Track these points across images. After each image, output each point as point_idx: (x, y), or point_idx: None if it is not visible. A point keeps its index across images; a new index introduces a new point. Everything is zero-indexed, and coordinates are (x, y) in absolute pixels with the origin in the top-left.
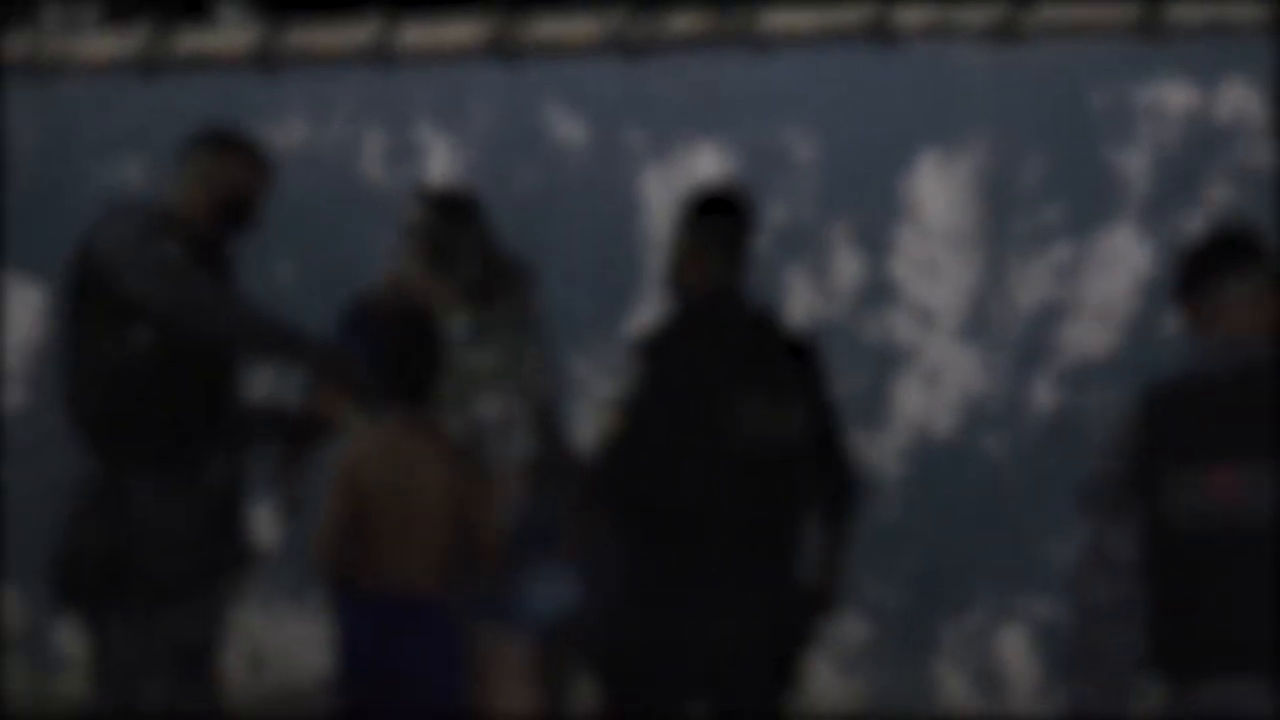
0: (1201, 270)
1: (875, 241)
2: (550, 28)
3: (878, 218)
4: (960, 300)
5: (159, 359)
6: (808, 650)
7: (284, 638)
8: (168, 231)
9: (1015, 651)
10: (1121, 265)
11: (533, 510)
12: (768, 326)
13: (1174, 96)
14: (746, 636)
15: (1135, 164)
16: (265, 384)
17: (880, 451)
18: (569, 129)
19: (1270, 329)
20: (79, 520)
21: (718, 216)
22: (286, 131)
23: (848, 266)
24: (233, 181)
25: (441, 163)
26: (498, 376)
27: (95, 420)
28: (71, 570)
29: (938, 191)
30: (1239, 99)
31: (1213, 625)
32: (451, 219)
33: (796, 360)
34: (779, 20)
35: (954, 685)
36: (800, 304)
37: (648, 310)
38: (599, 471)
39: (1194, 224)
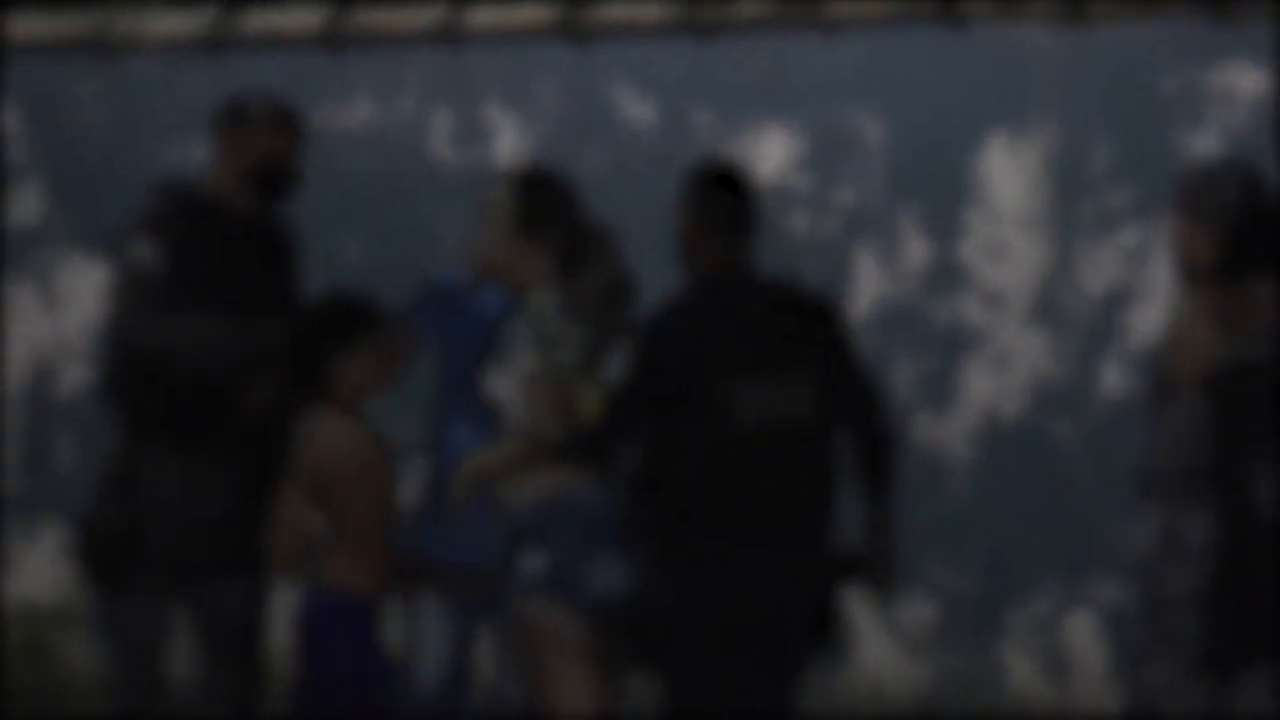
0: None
1: (944, 225)
2: (619, 10)
3: (946, 201)
4: (1029, 283)
5: (185, 341)
6: (842, 616)
7: None
8: (194, 213)
9: (1083, 636)
10: None
11: (596, 490)
12: (783, 299)
13: (1243, 79)
14: (780, 611)
15: (1204, 147)
16: None
17: (948, 435)
18: (637, 110)
19: None
20: (103, 495)
21: (723, 192)
22: (354, 111)
23: (916, 250)
24: (259, 149)
25: (509, 143)
26: (584, 349)
27: (124, 396)
28: (92, 544)
29: (1006, 175)
30: None
31: None
32: (538, 191)
33: (815, 328)
34: (848, 3)
35: (1021, 670)
36: (868, 287)
37: None
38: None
39: None
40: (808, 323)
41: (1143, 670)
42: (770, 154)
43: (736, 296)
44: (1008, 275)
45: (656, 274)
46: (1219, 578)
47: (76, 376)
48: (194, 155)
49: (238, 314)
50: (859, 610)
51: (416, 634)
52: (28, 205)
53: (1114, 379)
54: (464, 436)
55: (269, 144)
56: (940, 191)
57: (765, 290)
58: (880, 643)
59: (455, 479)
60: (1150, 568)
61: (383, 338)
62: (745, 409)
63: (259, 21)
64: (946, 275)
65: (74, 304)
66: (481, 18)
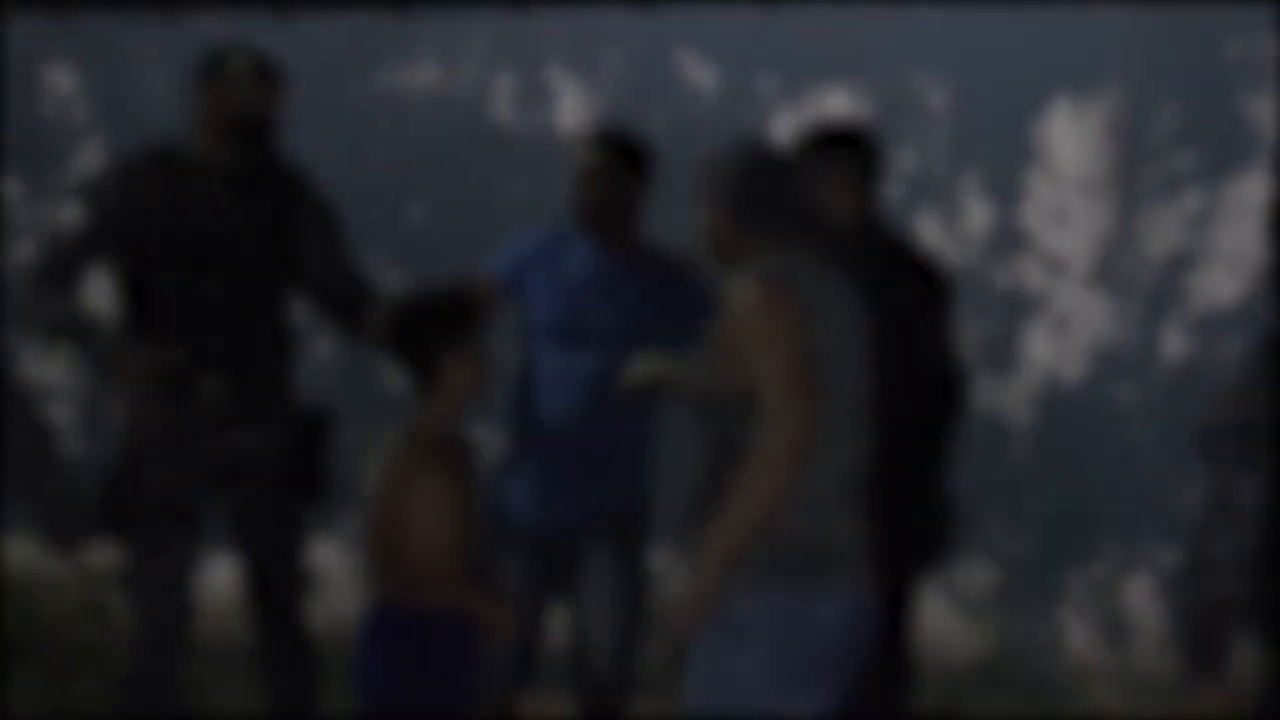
0: None
1: (1006, 188)
2: None
3: (1009, 165)
4: (1091, 248)
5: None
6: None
7: None
8: (164, 165)
9: (1142, 600)
10: (1252, 214)
11: None
12: (901, 257)
13: None
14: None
15: (1267, 113)
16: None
17: (1010, 398)
18: (701, 74)
19: None
20: (109, 453)
21: (851, 149)
22: (418, 74)
23: (979, 213)
24: (229, 101)
25: (571, 108)
26: None
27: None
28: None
29: (1069, 139)
30: None
31: None
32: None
33: (926, 288)
34: None
35: (1080, 633)
36: (931, 250)
37: None
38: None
39: None
40: (923, 280)
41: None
42: (833, 117)
43: (870, 250)
44: (1069, 240)
45: None
46: (1268, 545)
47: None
48: None
49: (211, 265)
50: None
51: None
52: (89, 165)
53: (1175, 343)
54: (553, 396)
55: (238, 95)
56: (1003, 156)
57: (890, 246)
58: (940, 607)
59: (631, 374)
60: (1200, 526)
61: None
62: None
63: None
64: (1009, 239)
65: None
66: None
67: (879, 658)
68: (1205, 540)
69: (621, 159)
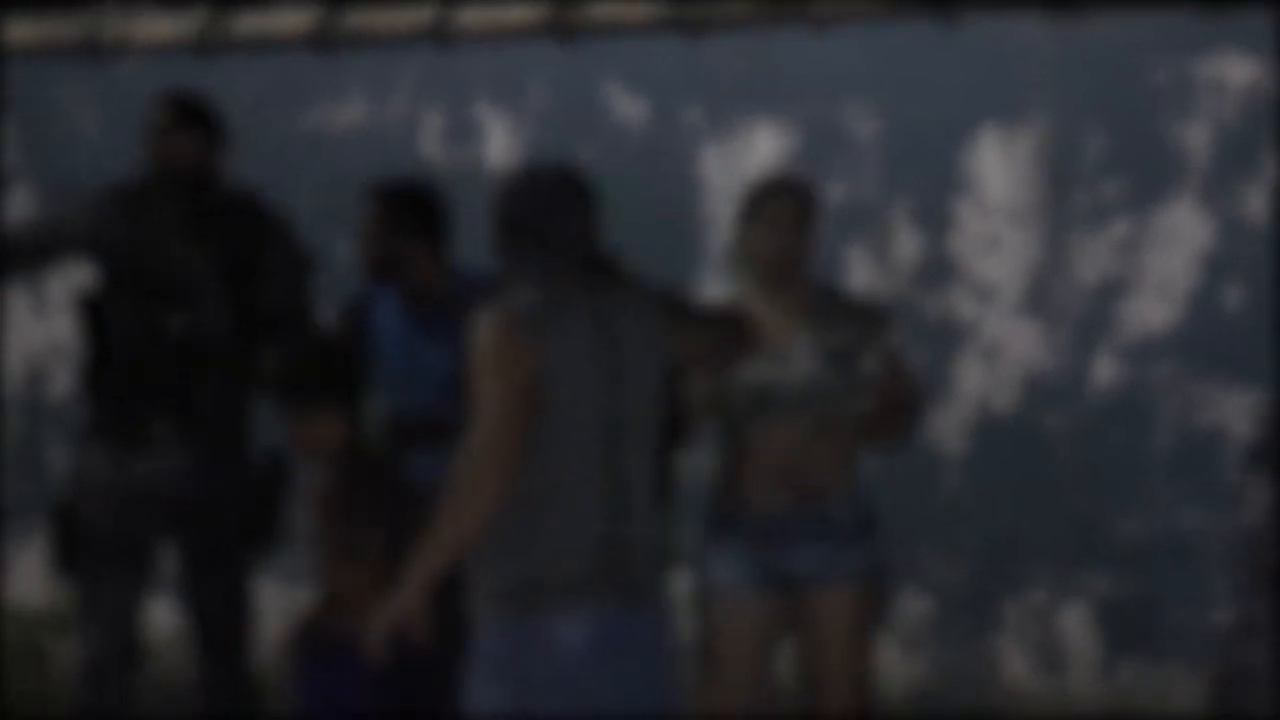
0: None
1: (935, 218)
2: (607, 8)
3: (938, 194)
4: (1021, 276)
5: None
6: None
7: None
8: (130, 205)
9: (1077, 628)
10: (1182, 240)
11: None
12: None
13: (1234, 70)
14: None
15: (1195, 138)
16: None
17: (941, 428)
18: (627, 107)
19: None
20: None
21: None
22: (345, 112)
23: (908, 243)
24: (156, 153)
25: (500, 142)
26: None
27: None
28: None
29: (998, 168)
30: None
31: None
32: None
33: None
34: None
35: (1016, 662)
36: (861, 281)
37: (709, 287)
38: None
39: (1255, 198)
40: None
41: (1236, 649)
42: (761, 150)
43: None
44: (999, 268)
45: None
46: None
47: (68, 380)
48: None
49: (168, 305)
50: None
51: None
52: (20, 209)
53: (1106, 371)
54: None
55: (172, 148)
56: (932, 185)
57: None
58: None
59: None
60: (1259, 540)
61: None
62: None
63: (249, 24)
64: (938, 269)
65: (66, 308)
66: (471, 17)
67: None
68: (1262, 555)
69: (393, 212)
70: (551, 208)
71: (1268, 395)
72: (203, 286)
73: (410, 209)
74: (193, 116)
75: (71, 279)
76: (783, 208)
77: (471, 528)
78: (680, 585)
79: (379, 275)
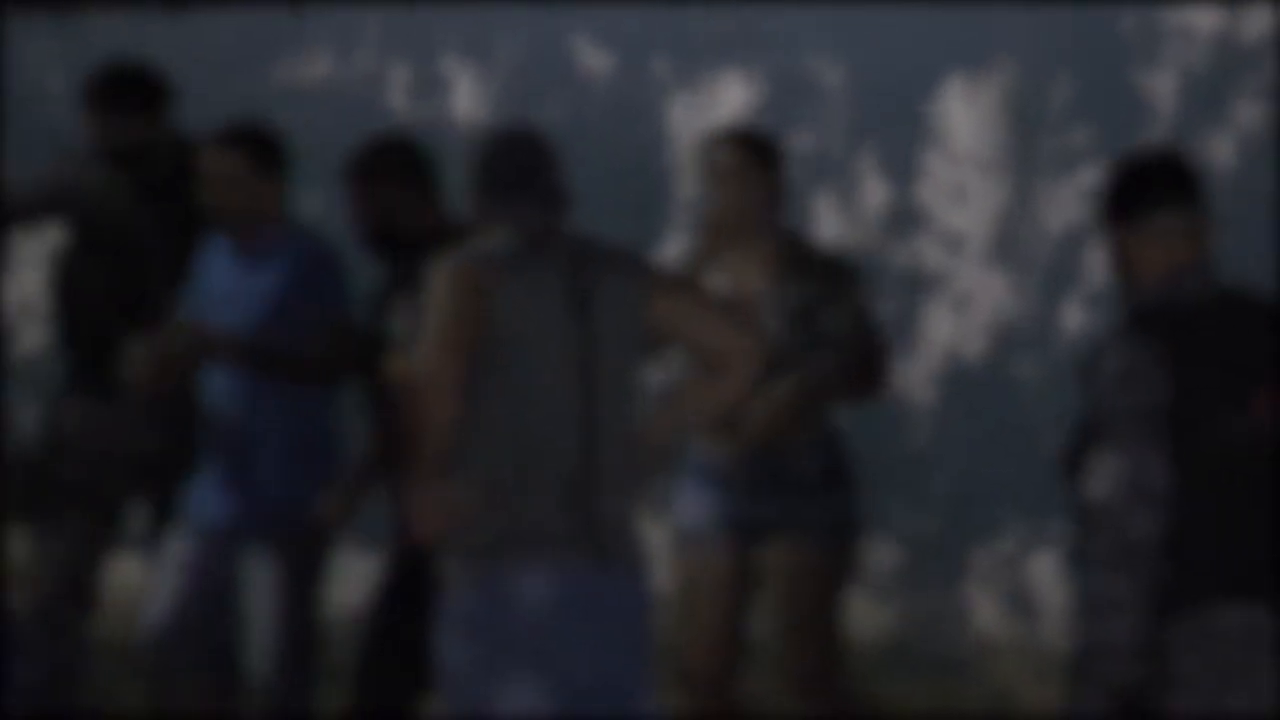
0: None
1: (903, 168)
2: None
3: (905, 144)
4: (988, 225)
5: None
6: None
7: None
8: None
9: (1046, 576)
10: None
11: None
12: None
13: (1201, 18)
14: None
15: (1163, 86)
16: None
17: (910, 377)
18: (595, 60)
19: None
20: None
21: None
22: (312, 66)
23: (875, 193)
24: (93, 132)
25: (467, 96)
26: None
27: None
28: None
29: (965, 116)
30: (1266, 20)
31: (1236, 551)
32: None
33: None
34: None
35: (986, 611)
36: (829, 231)
37: (676, 241)
38: None
39: (1223, 145)
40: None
41: (1098, 625)
42: (729, 102)
43: None
44: (967, 217)
45: (614, 224)
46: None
47: (35, 339)
48: None
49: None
50: None
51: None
52: None
53: (1075, 319)
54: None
55: (106, 128)
56: (899, 136)
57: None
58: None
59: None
60: (1110, 513)
61: None
62: None
63: None
64: (906, 218)
65: (32, 266)
66: None
67: None
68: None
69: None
70: (527, 163)
71: None
72: (155, 253)
73: (400, 162)
74: (118, 97)
75: (42, 238)
76: (724, 159)
77: (435, 452)
78: (656, 536)
79: (377, 229)
